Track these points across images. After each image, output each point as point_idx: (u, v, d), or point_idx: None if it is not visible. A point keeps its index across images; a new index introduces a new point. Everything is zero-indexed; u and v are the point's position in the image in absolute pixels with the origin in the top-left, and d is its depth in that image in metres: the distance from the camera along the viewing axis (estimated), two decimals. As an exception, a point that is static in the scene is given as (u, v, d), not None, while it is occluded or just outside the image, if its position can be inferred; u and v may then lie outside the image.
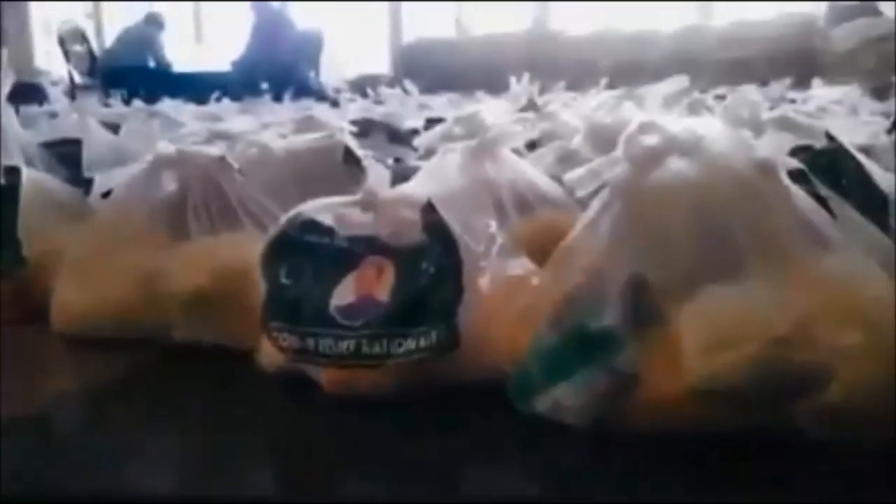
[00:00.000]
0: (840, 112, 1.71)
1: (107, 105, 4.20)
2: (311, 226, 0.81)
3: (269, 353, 0.81)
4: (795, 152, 0.98)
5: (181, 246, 0.93)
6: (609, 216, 0.73)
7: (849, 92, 2.13)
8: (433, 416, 0.74)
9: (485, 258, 0.76)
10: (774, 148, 0.96)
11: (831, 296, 0.63)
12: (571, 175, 0.78)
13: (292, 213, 0.83)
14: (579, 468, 0.66)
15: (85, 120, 1.59)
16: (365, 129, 1.94)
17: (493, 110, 1.72)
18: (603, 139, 1.30)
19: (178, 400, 0.82)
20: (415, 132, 1.98)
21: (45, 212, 1.09)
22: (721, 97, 2.59)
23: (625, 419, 0.66)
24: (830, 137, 0.99)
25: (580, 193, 0.78)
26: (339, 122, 1.68)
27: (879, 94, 3.68)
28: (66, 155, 1.52)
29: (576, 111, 1.62)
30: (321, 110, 3.88)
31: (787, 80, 3.79)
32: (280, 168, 1.14)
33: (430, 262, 0.74)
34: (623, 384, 0.66)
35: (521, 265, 0.80)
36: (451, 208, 0.79)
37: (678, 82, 1.76)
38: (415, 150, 1.78)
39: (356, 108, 4.12)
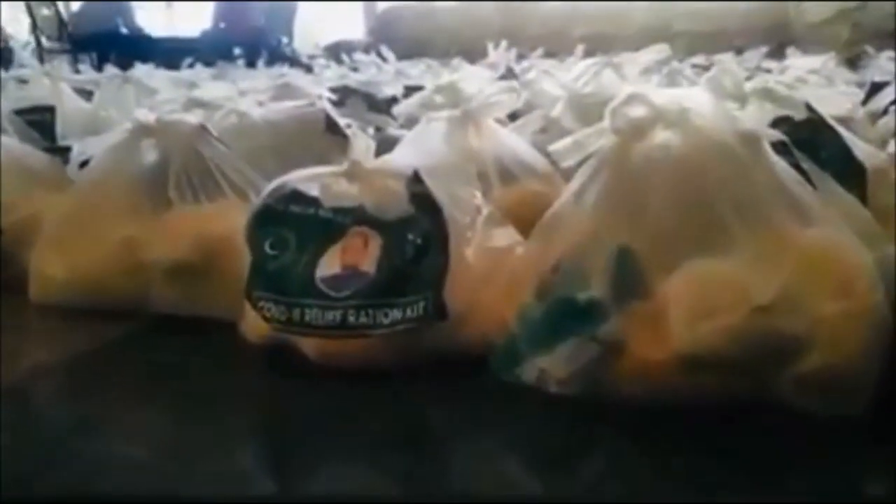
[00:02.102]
0: (817, 82, 1.72)
1: (77, 71, 4.12)
2: (296, 196, 0.80)
3: (254, 324, 0.81)
4: (776, 123, 0.99)
5: (162, 215, 0.92)
6: (595, 187, 0.73)
7: (825, 62, 2.13)
8: (419, 386, 0.74)
9: (471, 229, 0.76)
10: (757, 119, 0.97)
11: (812, 265, 0.65)
12: (557, 146, 0.79)
13: (277, 183, 0.83)
14: (565, 440, 0.67)
15: (58, 86, 1.55)
16: (343, 96, 1.92)
17: (472, 79, 1.71)
18: (584, 109, 1.31)
19: (162, 374, 0.81)
20: (393, 100, 1.96)
21: (21, 181, 1.08)
22: (698, 66, 2.61)
23: (609, 388, 0.67)
24: (810, 109, 1.00)
25: (565, 164, 0.78)
26: (317, 90, 1.67)
27: (852, 64, 3.72)
28: (39, 122, 1.49)
29: (556, 81, 1.61)
30: (296, 76, 3.84)
31: (763, 49, 3.81)
32: (260, 137, 1.14)
33: (417, 234, 0.74)
34: (608, 353, 0.66)
35: (506, 235, 0.81)
36: (437, 178, 0.79)
37: (658, 51, 1.76)
38: (394, 118, 1.78)
39: (332, 74, 4.08)
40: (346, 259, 0.77)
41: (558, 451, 0.65)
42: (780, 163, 0.72)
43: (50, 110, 1.49)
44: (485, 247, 0.76)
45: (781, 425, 0.64)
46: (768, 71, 2.25)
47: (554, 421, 0.69)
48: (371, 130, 1.29)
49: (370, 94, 1.92)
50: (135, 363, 0.84)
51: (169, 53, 4.50)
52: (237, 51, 5.37)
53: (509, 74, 2.61)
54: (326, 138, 1.17)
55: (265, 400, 0.78)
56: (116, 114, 1.39)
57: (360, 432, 0.68)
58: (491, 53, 3.58)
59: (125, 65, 4.18)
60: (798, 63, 2.10)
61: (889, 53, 3.26)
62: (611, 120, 0.71)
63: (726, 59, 2.76)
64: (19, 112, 1.48)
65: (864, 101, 2.24)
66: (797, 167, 0.79)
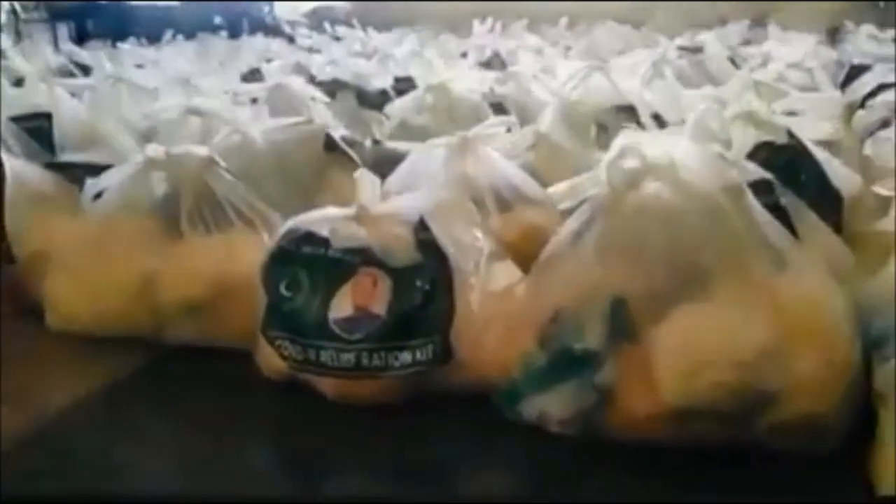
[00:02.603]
0: (797, 80, 1.76)
1: (55, 43, 4.06)
2: (308, 238, 0.85)
3: (270, 359, 0.86)
4: (759, 148, 1.04)
5: (175, 248, 0.96)
6: (590, 235, 0.78)
7: (805, 52, 2.17)
8: (425, 417, 0.80)
9: (474, 274, 0.81)
10: (741, 145, 1.02)
11: (791, 319, 0.70)
12: (555, 189, 0.84)
13: (289, 225, 0.87)
14: (562, 470, 0.73)
15: (53, 91, 1.57)
16: (333, 90, 1.95)
17: (462, 77, 1.74)
18: (574, 118, 1.35)
19: (184, 403, 0.86)
20: (384, 93, 1.99)
21: (32, 206, 1.11)
22: (684, 49, 2.64)
23: (604, 429, 0.73)
24: (791, 135, 1.05)
25: (562, 206, 0.83)
26: (309, 91, 1.69)
27: (832, 35, 3.76)
28: (37, 130, 1.51)
29: (545, 85, 1.64)
30: (278, 47, 3.82)
31: (745, 22, 3.83)
32: (261, 155, 1.17)
33: (425, 280, 0.79)
34: (602, 398, 0.72)
35: (507, 271, 0.86)
36: (441, 222, 0.83)
37: (643, 55, 1.81)
38: (385, 115, 1.81)
39: (314, 44, 4.06)
40: (357, 300, 0.81)
41: (556, 479, 0.72)
42: (760, 211, 0.77)
43: (47, 117, 1.52)
44: (488, 290, 0.81)
45: (759, 459, 0.70)
46: (747, 62, 2.27)
47: (552, 452, 0.75)
48: (369, 142, 1.33)
49: (360, 88, 1.94)
50: (157, 396, 0.89)
51: (149, 23, 4.45)
52: (218, 20, 5.32)
53: (495, 59, 2.64)
54: (326, 156, 1.21)
55: (281, 428, 0.84)
56: (112, 123, 1.41)
57: (368, 463, 0.74)
58: (476, 29, 3.60)
59: (104, 34, 4.12)
60: (779, 52, 2.14)
61: (870, 27, 3.30)
62: (607, 173, 0.76)
63: (709, 39, 2.79)
64: (16, 119, 1.50)
65: (843, 86, 2.31)
66: (778, 207, 0.85)
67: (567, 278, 0.78)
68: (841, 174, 1.03)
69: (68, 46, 3.72)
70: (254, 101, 1.71)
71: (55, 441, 0.79)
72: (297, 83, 1.65)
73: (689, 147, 0.78)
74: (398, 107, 1.66)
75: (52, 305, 1.01)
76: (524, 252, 0.94)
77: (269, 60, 3.03)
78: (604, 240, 0.77)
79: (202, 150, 1.00)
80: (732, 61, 2.66)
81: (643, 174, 0.76)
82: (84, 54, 3.14)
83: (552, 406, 0.74)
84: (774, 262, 0.76)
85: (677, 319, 0.72)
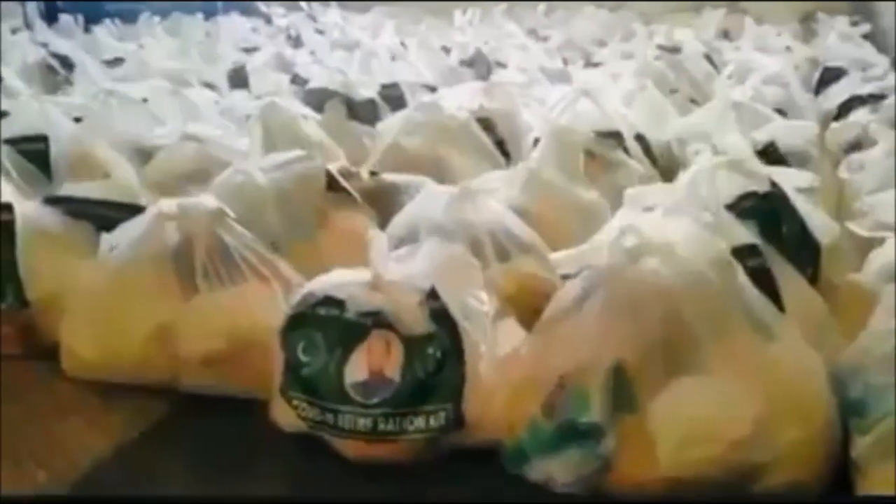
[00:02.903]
0: (775, 97, 1.81)
1: (28, 25, 3.99)
2: (323, 301, 0.89)
3: (286, 414, 0.91)
4: (744, 198, 1.10)
5: (191, 301, 1.00)
6: (590, 305, 0.84)
7: (782, 61, 2.22)
8: (435, 471, 0.86)
9: (483, 342, 0.87)
10: (727, 193, 1.08)
11: (776, 392, 0.77)
12: (557, 256, 0.89)
13: (305, 291, 0.91)
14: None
15: (46, 110, 1.58)
16: (322, 99, 1.97)
17: (451, 95, 1.77)
18: (564, 149, 1.39)
19: (209, 456, 0.91)
20: (371, 103, 2.02)
21: (44, 249, 1.13)
22: (663, 48, 2.68)
23: (605, 491, 0.79)
24: (773, 184, 1.10)
25: (564, 272, 0.88)
26: (300, 110, 1.72)
27: (806, 25, 3.82)
28: (33, 153, 1.52)
29: (535, 111, 1.68)
30: (256, 33, 3.80)
31: (722, 8, 3.86)
32: (264, 194, 1.20)
33: (437, 349, 0.85)
34: (604, 465, 0.79)
35: (511, 331, 0.91)
36: (447, 281, 0.88)
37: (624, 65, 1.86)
38: (373, 127, 1.84)
39: (290, 25, 4.03)
40: (372, 363, 0.86)
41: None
42: (747, 285, 0.84)
43: (43, 140, 1.53)
44: (494, 356, 0.87)
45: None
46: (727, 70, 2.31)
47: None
48: (366, 174, 1.36)
49: (348, 98, 1.96)
50: (181, 446, 0.93)
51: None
52: (195, -1, 5.22)
53: (478, 58, 2.66)
54: (327, 196, 1.25)
55: (295, 475, 0.89)
56: (108, 150, 1.43)
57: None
58: (457, 20, 3.61)
59: (75, 9, 4.01)
60: (758, 63, 2.19)
61: (843, 21, 3.36)
62: (609, 251, 0.81)
63: (687, 37, 2.83)
64: (11, 141, 1.51)
65: (817, 89, 2.37)
66: (764, 269, 0.91)
67: (569, 346, 0.84)
68: (819, 222, 1.09)
69: (43, 32, 3.66)
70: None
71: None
72: (289, 102, 1.67)
73: (684, 225, 0.84)
74: (389, 126, 1.69)
75: (68, 353, 1.04)
76: (523, 304, 1.00)
77: (248, 51, 3.03)
78: (605, 311, 0.82)
79: (212, 203, 1.04)
80: (710, 60, 2.72)
81: (642, 252, 0.81)
82: (61, 43, 3.11)
83: (557, 471, 0.80)
84: (761, 333, 0.82)
85: (672, 393, 0.78)
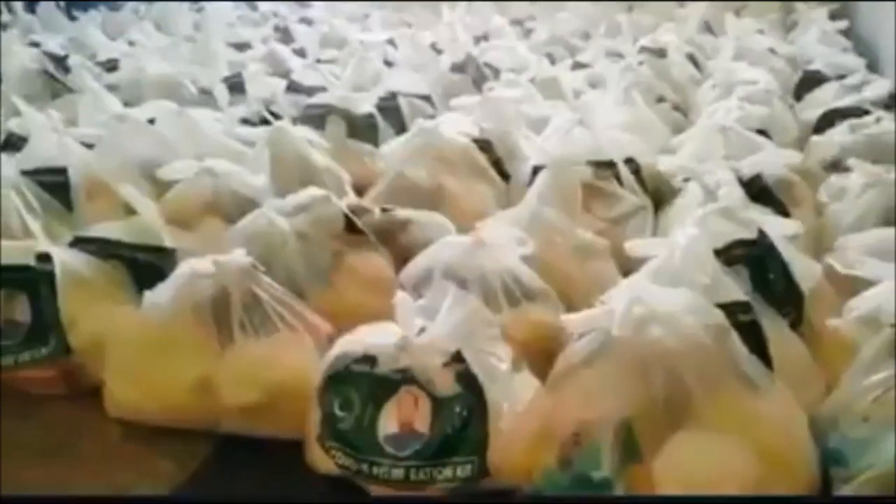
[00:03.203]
0: (758, 115, 1.90)
1: (10, 10, 3.95)
2: (357, 360, 0.98)
3: (321, 459, 1.00)
4: (734, 245, 1.19)
5: (228, 353, 1.09)
6: (600, 365, 0.93)
7: (763, 73, 2.31)
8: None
9: (503, 398, 0.96)
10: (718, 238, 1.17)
11: (764, 445, 0.88)
12: (568, 318, 0.99)
13: (339, 351, 1.00)
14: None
15: (64, 142, 1.64)
16: (323, 115, 2.04)
17: (449, 120, 1.84)
18: (562, 183, 1.48)
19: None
20: (370, 117, 2.08)
21: (81, 294, 1.20)
22: (648, 50, 2.76)
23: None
24: (761, 232, 1.20)
25: (576, 333, 0.98)
26: (308, 134, 1.78)
27: (786, 12, 3.89)
28: (53, 185, 1.58)
29: (532, 143, 1.76)
30: (242, 22, 3.81)
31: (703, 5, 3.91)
32: (287, 237, 1.28)
33: (463, 407, 0.94)
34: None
35: (526, 383, 1.01)
36: (468, 342, 0.98)
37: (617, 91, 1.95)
38: (376, 150, 1.92)
39: (276, 11, 4.04)
40: (402, 416, 0.96)
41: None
42: (737, 344, 0.93)
43: (63, 172, 1.58)
44: (513, 410, 0.96)
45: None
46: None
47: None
48: (378, 211, 1.43)
49: (348, 113, 2.03)
50: (228, 489, 1.02)
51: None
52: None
53: (469, 61, 2.72)
54: (345, 237, 1.33)
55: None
56: (127, 186, 1.49)
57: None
58: (445, 14, 3.65)
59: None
60: (740, 74, 2.27)
61: (822, 17, 3.44)
62: (618, 321, 0.91)
63: (671, 39, 2.90)
64: (31, 173, 1.57)
65: (797, 93, 2.46)
66: (755, 323, 1.00)
67: (582, 401, 0.93)
68: (802, 268, 1.19)
69: (30, 23, 3.66)
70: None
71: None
72: (295, 129, 1.74)
73: (683, 294, 0.93)
74: (392, 152, 1.77)
75: (112, 398, 1.12)
76: (534, 348, 1.10)
77: (240, 47, 3.06)
78: (614, 372, 0.92)
79: (244, 259, 1.11)
80: (693, 60, 2.80)
81: (648, 321, 0.91)
82: (53, 43, 3.12)
83: (573, 517, 0.90)
84: (750, 390, 0.92)
85: (672, 448, 0.89)
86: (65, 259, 1.23)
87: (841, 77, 2.39)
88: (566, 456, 0.91)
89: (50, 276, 1.19)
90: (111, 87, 2.35)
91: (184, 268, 1.13)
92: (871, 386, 0.94)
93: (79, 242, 1.31)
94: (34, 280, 1.20)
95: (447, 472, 0.93)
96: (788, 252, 1.19)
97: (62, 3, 3.95)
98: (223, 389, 1.07)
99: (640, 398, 0.91)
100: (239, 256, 1.12)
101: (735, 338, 0.94)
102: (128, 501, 1.00)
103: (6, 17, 3.65)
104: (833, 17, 3.38)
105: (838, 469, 0.89)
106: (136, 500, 1.00)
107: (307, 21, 3.81)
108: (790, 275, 1.17)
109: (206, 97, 2.32)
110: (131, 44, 3.17)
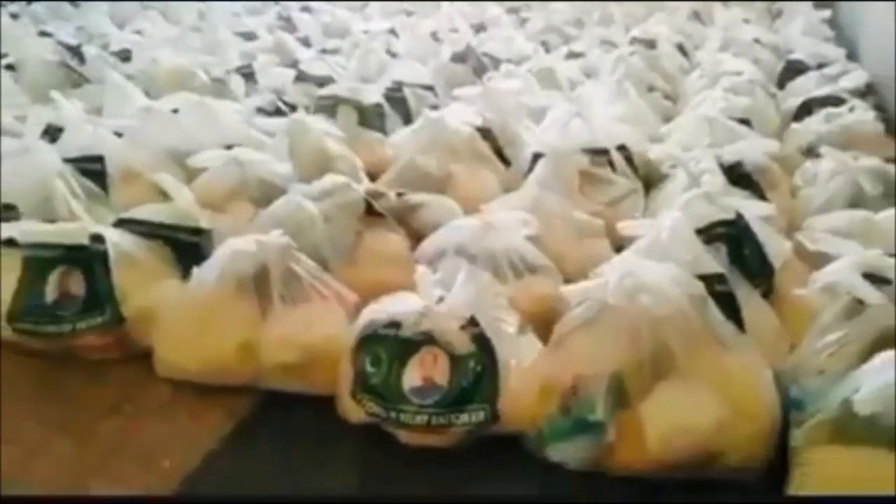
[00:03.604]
0: (742, 106, 2.05)
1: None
2: (385, 324, 1.13)
3: (352, 410, 1.16)
4: (715, 225, 1.34)
5: (268, 319, 1.23)
6: (596, 329, 1.09)
7: (748, 64, 2.44)
8: (470, 454, 1.12)
9: (511, 356, 1.11)
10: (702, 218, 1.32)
11: (734, 395, 1.04)
12: (567, 289, 1.14)
13: (369, 317, 1.15)
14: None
15: (99, 133, 1.77)
16: (334, 105, 2.17)
17: (454, 111, 1.98)
18: (562, 171, 1.63)
19: (293, 449, 1.15)
20: (378, 106, 2.21)
21: (130, 270, 1.35)
22: (639, 41, 2.90)
23: (606, 467, 1.05)
24: (739, 215, 1.35)
25: (574, 301, 1.13)
26: (325, 127, 1.91)
27: (772, 4, 4.03)
28: (92, 172, 1.71)
29: (533, 134, 1.90)
30: (248, 13, 3.90)
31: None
32: (314, 220, 1.43)
33: (477, 364, 1.09)
34: (606, 448, 1.04)
35: (530, 344, 1.16)
36: (481, 311, 1.13)
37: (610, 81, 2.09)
38: (385, 138, 2.06)
39: (283, 7, 4.14)
40: (424, 372, 1.11)
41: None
42: (715, 313, 1.09)
43: (100, 160, 1.72)
44: (520, 367, 1.11)
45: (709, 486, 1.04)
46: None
47: (566, 480, 1.07)
48: (393, 195, 1.58)
49: (358, 103, 2.16)
50: (271, 443, 1.17)
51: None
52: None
53: (469, 52, 2.85)
54: (365, 219, 1.48)
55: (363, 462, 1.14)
56: (162, 174, 1.62)
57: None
58: (443, 3, 3.77)
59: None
60: (726, 64, 2.42)
61: (806, 8, 3.57)
62: (612, 291, 1.06)
63: (661, 31, 3.04)
64: (71, 160, 1.70)
65: (780, 82, 2.61)
66: (730, 293, 1.16)
67: (579, 359, 1.09)
68: (774, 244, 1.34)
69: (32, 8, 3.74)
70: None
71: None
72: (312, 120, 1.87)
73: (669, 268, 1.09)
74: (401, 141, 1.91)
75: (161, 361, 1.27)
76: (537, 315, 1.25)
77: (247, 37, 3.18)
78: (608, 334, 1.08)
79: (282, 239, 1.26)
80: (682, 50, 2.94)
81: (638, 290, 1.06)
82: (63, 32, 3.22)
83: (569, 453, 1.06)
84: (724, 349, 1.08)
85: (656, 396, 1.04)
86: (115, 239, 1.37)
87: (821, 66, 2.54)
88: (566, 404, 1.06)
89: (103, 255, 1.33)
90: (128, 78, 2.47)
91: (227, 246, 1.27)
92: (827, 345, 1.09)
93: (122, 223, 1.45)
94: (89, 258, 1.33)
95: (464, 417, 1.09)
96: (762, 231, 1.35)
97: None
98: (265, 350, 1.21)
99: (630, 355, 1.06)
100: (277, 236, 1.26)
101: (712, 305, 1.10)
102: (128, 501, 1.07)
103: (14, 7, 3.73)
104: (817, 6, 3.53)
105: (796, 414, 1.04)
106: (137, 500, 1.07)
107: (308, 10, 3.91)
108: (763, 251, 1.32)
109: (218, 86, 2.45)
110: (139, 32, 3.27)
